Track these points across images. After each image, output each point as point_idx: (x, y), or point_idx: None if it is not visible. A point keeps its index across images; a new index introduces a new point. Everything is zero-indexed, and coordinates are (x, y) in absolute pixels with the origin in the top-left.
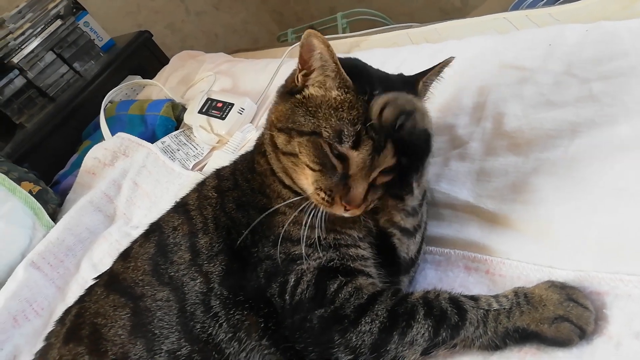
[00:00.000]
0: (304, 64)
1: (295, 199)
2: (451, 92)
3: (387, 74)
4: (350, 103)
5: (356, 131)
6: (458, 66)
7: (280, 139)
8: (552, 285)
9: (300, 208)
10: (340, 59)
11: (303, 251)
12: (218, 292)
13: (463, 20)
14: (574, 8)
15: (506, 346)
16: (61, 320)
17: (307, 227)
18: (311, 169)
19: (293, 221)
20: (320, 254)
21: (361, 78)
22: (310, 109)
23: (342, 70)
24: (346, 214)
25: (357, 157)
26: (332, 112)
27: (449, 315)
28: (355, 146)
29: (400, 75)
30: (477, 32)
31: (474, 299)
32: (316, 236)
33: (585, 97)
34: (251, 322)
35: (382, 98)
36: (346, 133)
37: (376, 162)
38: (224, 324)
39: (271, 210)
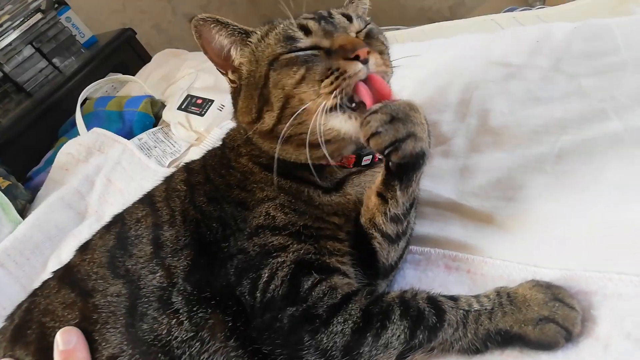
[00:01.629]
0: (221, 60)
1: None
2: (436, 88)
3: None
4: (271, 26)
5: (297, 23)
6: (444, 63)
7: (267, 119)
8: (537, 284)
9: (294, 192)
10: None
11: (284, 240)
12: (181, 288)
13: (450, 22)
14: (562, 10)
15: (487, 349)
16: (11, 316)
17: (296, 212)
18: (300, 80)
19: (282, 204)
20: (299, 246)
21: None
22: (253, 69)
23: (241, 25)
24: (365, 66)
25: (317, 26)
26: (265, 41)
27: (427, 316)
28: (307, 31)
29: None
30: (463, 33)
31: (454, 299)
32: (302, 224)
33: (574, 93)
34: (216, 321)
35: (377, 115)
36: (291, 32)
37: (339, 25)
38: (186, 321)
39: (250, 201)
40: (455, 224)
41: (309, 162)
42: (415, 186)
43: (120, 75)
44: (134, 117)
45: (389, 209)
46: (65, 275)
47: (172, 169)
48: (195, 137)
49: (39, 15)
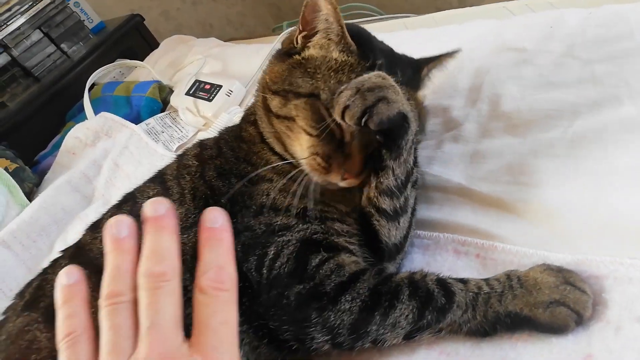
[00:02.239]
0: (306, 25)
1: (285, 163)
2: (446, 73)
3: (394, 50)
4: (352, 66)
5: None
6: (455, 48)
7: (275, 102)
8: (548, 268)
9: (290, 175)
10: (345, 23)
11: (288, 220)
12: (190, 265)
13: (461, 10)
14: None
15: (496, 332)
16: (21, 294)
17: (295, 196)
18: (308, 133)
19: (280, 188)
20: (305, 226)
21: (365, 45)
22: (309, 70)
23: (347, 34)
24: (342, 184)
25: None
26: (332, 74)
27: (436, 297)
28: None
29: (406, 56)
30: (475, 20)
31: (463, 281)
32: (302, 206)
33: (587, 79)
34: None
35: (346, 91)
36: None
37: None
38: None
39: (254, 176)
40: (464, 208)
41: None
42: (406, 155)
43: (128, 61)
44: (141, 102)
45: (381, 181)
46: (77, 253)
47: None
48: (203, 122)
49: (47, 0)
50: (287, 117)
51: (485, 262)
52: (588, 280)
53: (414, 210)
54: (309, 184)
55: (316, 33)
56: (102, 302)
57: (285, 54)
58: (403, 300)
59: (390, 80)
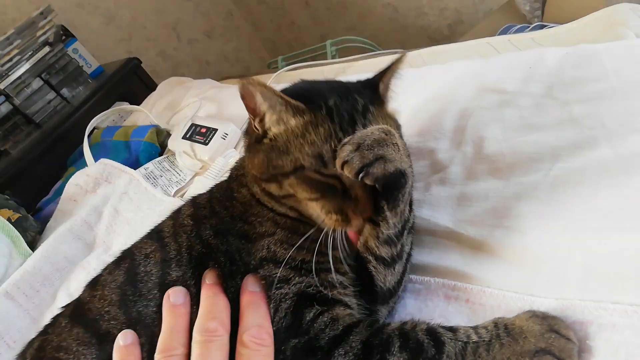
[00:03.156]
0: (254, 112)
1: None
2: (431, 116)
3: (341, 81)
4: (312, 123)
5: (332, 148)
6: (439, 89)
7: (273, 188)
8: (534, 315)
9: (307, 234)
10: (285, 89)
11: (287, 273)
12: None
13: (447, 46)
14: (556, 32)
15: None
16: (22, 354)
17: (294, 248)
18: (313, 200)
19: (280, 240)
20: (300, 279)
21: (313, 96)
22: (281, 148)
23: (289, 98)
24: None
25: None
26: (301, 140)
27: (426, 348)
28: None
29: (359, 81)
30: (460, 57)
31: (453, 330)
32: (300, 258)
33: (566, 120)
34: None
35: (347, 146)
36: (325, 153)
37: None
38: None
39: (252, 234)
40: (453, 252)
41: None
42: (403, 206)
43: (126, 105)
44: (140, 146)
45: (381, 231)
46: (77, 313)
47: (177, 199)
48: (200, 165)
49: (47, 49)
50: (289, 195)
51: (474, 307)
52: (573, 326)
53: (409, 255)
54: (337, 237)
55: (264, 114)
56: (157, 356)
57: (256, 142)
58: (394, 352)
59: (394, 135)
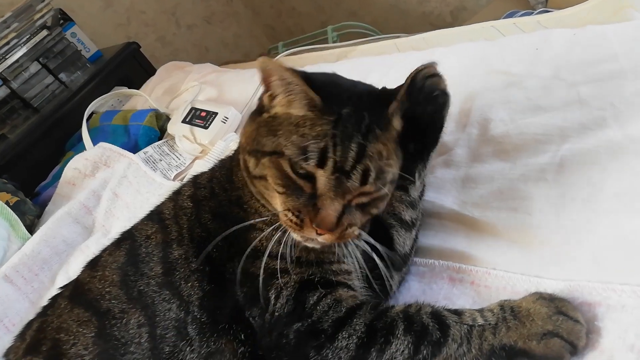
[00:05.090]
0: (269, 87)
1: (271, 215)
2: None
3: (365, 89)
4: (312, 120)
5: (320, 148)
6: (444, 73)
7: (251, 163)
8: (540, 297)
9: (274, 227)
10: (313, 74)
11: (285, 265)
12: (197, 316)
13: (451, 30)
14: (562, 15)
15: None
16: (21, 335)
17: (287, 246)
18: (277, 191)
19: (268, 237)
20: (302, 269)
21: (333, 95)
22: (272, 128)
23: (310, 90)
24: (319, 239)
25: (323, 176)
26: (293, 128)
27: (431, 331)
28: (321, 164)
29: (381, 91)
30: (465, 40)
31: (458, 313)
32: (296, 255)
33: (574, 101)
34: (228, 347)
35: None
36: (310, 149)
37: (346, 186)
38: (198, 349)
39: (246, 224)
40: (458, 234)
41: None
42: (426, 171)
43: (125, 89)
44: (139, 130)
45: (409, 195)
46: (76, 293)
47: (177, 182)
48: (200, 149)
49: (45, 32)
50: (261, 176)
51: (479, 289)
52: (581, 308)
53: (421, 218)
54: (288, 239)
55: (278, 94)
56: None
57: (257, 112)
58: (398, 335)
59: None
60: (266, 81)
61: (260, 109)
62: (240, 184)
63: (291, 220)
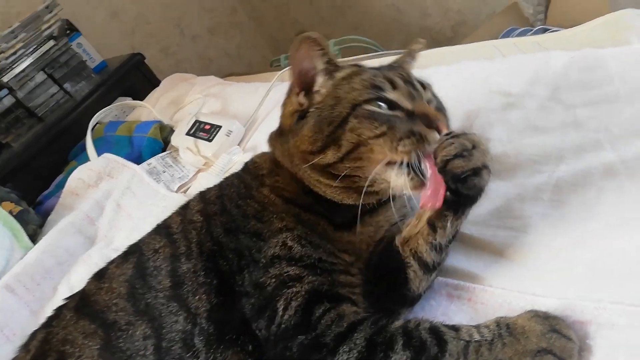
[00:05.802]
0: (304, 81)
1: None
2: None
3: None
4: (359, 70)
5: (384, 76)
6: (446, 91)
7: (329, 155)
8: (535, 315)
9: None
10: None
11: (300, 271)
12: (204, 327)
13: (451, 48)
14: (562, 36)
15: None
16: (25, 346)
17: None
18: (379, 136)
19: (299, 236)
20: (314, 278)
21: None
22: (331, 102)
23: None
24: (437, 137)
25: (403, 89)
26: (351, 84)
27: (429, 347)
28: (393, 85)
29: None
30: (466, 59)
31: (455, 329)
32: (317, 257)
33: (570, 123)
34: (235, 359)
35: (459, 140)
36: (378, 82)
37: (418, 92)
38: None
39: (266, 232)
40: (457, 252)
41: (359, 202)
42: (464, 219)
43: (129, 101)
44: (143, 142)
45: (436, 238)
46: (82, 304)
47: (180, 195)
48: (203, 162)
49: (51, 42)
50: (350, 150)
51: (476, 306)
52: (573, 326)
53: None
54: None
55: (315, 75)
56: None
57: (300, 118)
58: (397, 350)
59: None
60: (303, 66)
61: (300, 115)
62: (267, 201)
63: (413, 143)
